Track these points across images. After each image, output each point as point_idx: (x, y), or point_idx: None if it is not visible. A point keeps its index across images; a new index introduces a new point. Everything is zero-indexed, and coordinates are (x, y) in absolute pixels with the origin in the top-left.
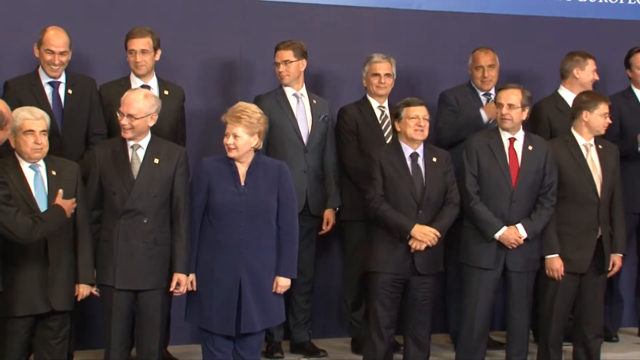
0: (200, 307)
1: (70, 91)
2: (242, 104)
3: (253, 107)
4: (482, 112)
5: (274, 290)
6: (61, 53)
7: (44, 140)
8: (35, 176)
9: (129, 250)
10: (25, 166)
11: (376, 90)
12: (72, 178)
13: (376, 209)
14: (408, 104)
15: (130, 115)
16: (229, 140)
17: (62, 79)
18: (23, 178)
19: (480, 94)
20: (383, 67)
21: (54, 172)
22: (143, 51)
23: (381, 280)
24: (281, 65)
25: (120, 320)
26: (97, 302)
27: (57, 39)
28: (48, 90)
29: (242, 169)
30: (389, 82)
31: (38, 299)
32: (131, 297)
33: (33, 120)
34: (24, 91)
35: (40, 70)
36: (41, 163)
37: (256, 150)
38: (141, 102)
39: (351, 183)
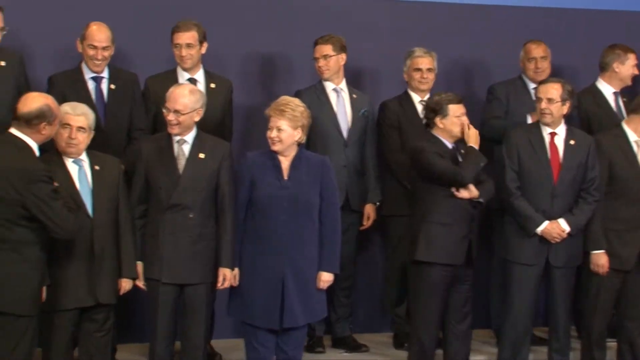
0: (244, 301)
1: (112, 86)
2: (285, 98)
3: (296, 101)
4: (529, 118)
5: (317, 286)
6: (104, 48)
7: (80, 137)
8: (79, 171)
9: (174, 244)
10: (68, 161)
11: (418, 85)
12: (115, 173)
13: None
14: (453, 101)
15: (176, 111)
16: (273, 134)
17: (105, 74)
18: (67, 173)
19: (531, 87)
20: (425, 62)
21: (97, 167)
22: (188, 45)
23: (435, 273)
24: (320, 60)
25: (166, 314)
26: (140, 296)
27: (99, 34)
28: (91, 85)
29: (285, 163)
30: (431, 77)
31: (84, 292)
32: (177, 291)
33: (72, 115)
34: (68, 86)
35: (84, 66)
36: (84, 158)
37: (299, 145)
38: (187, 97)
39: (393, 178)
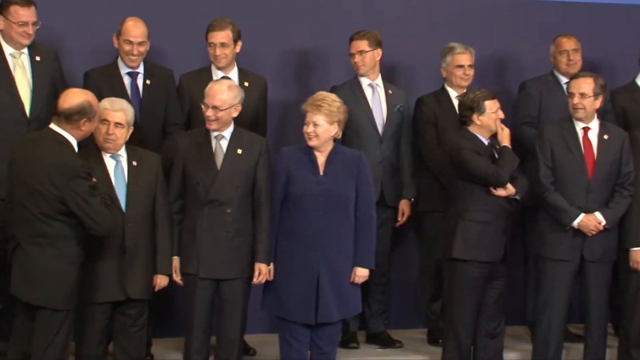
0: (278, 296)
1: (148, 81)
2: (322, 93)
3: (333, 96)
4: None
5: (351, 281)
6: (139, 43)
7: (118, 132)
8: (116, 166)
9: (212, 239)
10: (106, 156)
11: (460, 82)
12: (153, 169)
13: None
14: (488, 97)
15: (214, 107)
16: (309, 129)
17: (141, 69)
18: (104, 167)
19: (563, 82)
20: (466, 59)
21: (134, 163)
22: (222, 44)
23: (472, 270)
24: (356, 56)
25: (203, 309)
26: (175, 291)
27: (135, 29)
28: (127, 80)
29: (321, 159)
30: (471, 73)
31: (115, 287)
32: (214, 285)
33: (110, 111)
34: (104, 82)
35: (119, 61)
36: (122, 153)
37: (335, 140)
38: (225, 93)
39: (428, 174)
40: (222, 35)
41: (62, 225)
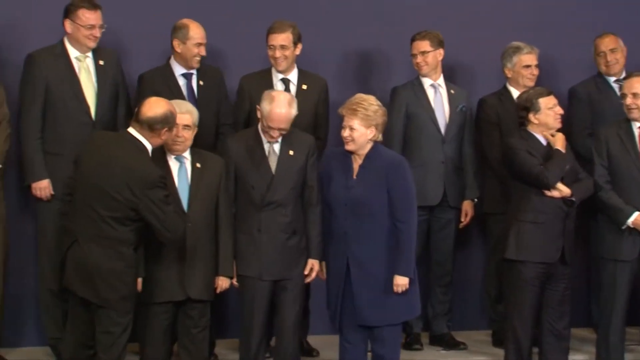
0: (327, 296)
1: (201, 82)
2: (359, 96)
3: (370, 99)
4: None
5: (395, 290)
6: (204, 45)
7: (186, 134)
8: (180, 167)
9: (271, 241)
10: (171, 157)
11: (526, 82)
12: (216, 171)
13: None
14: (543, 94)
15: (281, 129)
16: (345, 133)
17: (194, 70)
18: (168, 169)
19: (611, 80)
20: (533, 58)
21: (198, 165)
22: (282, 47)
23: (527, 271)
24: (418, 56)
25: (262, 310)
26: (231, 293)
27: (202, 31)
28: (182, 82)
29: (357, 162)
30: (537, 73)
31: (176, 287)
32: (271, 286)
33: (177, 114)
34: (159, 84)
35: (173, 62)
36: (187, 155)
37: (375, 142)
38: (289, 114)
39: (493, 175)
40: (282, 38)
41: (126, 230)
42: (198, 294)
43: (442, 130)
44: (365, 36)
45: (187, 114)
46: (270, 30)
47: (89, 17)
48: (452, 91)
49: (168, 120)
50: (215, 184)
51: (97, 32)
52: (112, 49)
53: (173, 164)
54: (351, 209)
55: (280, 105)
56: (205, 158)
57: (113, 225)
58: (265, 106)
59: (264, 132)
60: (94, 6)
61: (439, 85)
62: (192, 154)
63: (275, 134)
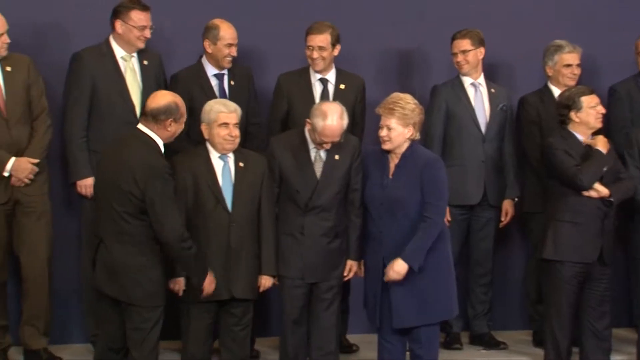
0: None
1: (232, 82)
2: (396, 95)
3: (408, 98)
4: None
5: (387, 275)
6: (236, 44)
7: (237, 133)
8: (223, 167)
9: (313, 244)
10: (214, 156)
11: (567, 81)
12: (259, 170)
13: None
14: (585, 93)
15: (334, 141)
16: (383, 132)
17: (225, 70)
18: (212, 168)
19: None
20: (575, 57)
21: (241, 164)
22: (320, 48)
23: (565, 271)
24: (459, 55)
25: (301, 310)
26: (273, 291)
27: (233, 32)
28: (214, 82)
29: (393, 162)
30: (579, 73)
31: (220, 286)
32: (311, 287)
33: (227, 114)
34: (193, 84)
35: (205, 63)
36: (230, 154)
37: (412, 141)
38: (341, 127)
39: (533, 174)
40: (320, 39)
41: (141, 224)
42: (242, 293)
43: (483, 129)
44: (405, 35)
45: (234, 112)
46: (309, 31)
47: (141, 17)
48: (493, 90)
49: (171, 111)
50: (258, 183)
51: (148, 33)
52: (155, 50)
53: (217, 163)
54: (387, 209)
55: (333, 119)
56: (248, 157)
57: (128, 220)
58: (318, 122)
59: (315, 142)
60: (144, 7)
61: (480, 84)
62: (235, 152)
63: (328, 145)
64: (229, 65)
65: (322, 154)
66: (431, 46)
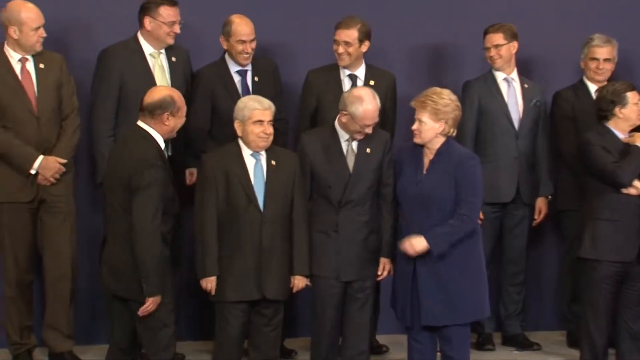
0: (394, 296)
1: (256, 78)
2: (431, 90)
3: (443, 93)
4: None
5: (404, 246)
6: (251, 41)
7: (271, 130)
8: (255, 165)
9: (348, 241)
10: (246, 154)
11: (593, 76)
12: (291, 168)
13: None
14: (629, 89)
15: (375, 123)
16: (414, 126)
17: (249, 66)
18: (244, 166)
19: None
20: (603, 52)
21: (273, 162)
22: (346, 43)
23: (602, 270)
24: (491, 50)
25: (335, 310)
26: (304, 291)
27: (246, 28)
28: (236, 78)
29: (427, 157)
30: (608, 67)
31: (252, 286)
32: (345, 286)
33: (262, 111)
34: (215, 80)
35: (228, 59)
36: (262, 152)
37: (448, 137)
38: (377, 106)
39: (568, 171)
40: (346, 34)
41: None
42: (274, 293)
43: (516, 125)
44: (437, 29)
45: (269, 109)
46: (337, 25)
47: (170, 13)
48: (526, 85)
49: (167, 105)
50: (290, 182)
51: (177, 28)
52: (184, 47)
53: (249, 161)
54: (420, 205)
55: (369, 101)
56: (279, 154)
57: (124, 216)
58: (357, 108)
59: (353, 131)
60: (173, 2)
61: (513, 79)
62: (267, 150)
63: (370, 129)
64: (246, 62)
65: (354, 146)
66: (463, 41)
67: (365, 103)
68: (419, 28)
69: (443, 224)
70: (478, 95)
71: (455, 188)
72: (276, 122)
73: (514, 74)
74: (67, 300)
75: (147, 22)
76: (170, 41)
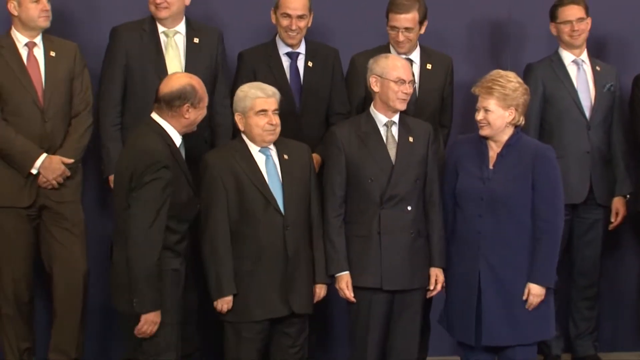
0: (447, 309)
1: (310, 63)
2: (496, 72)
3: (509, 76)
4: None
5: (524, 299)
6: (299, 17)
7: (278, 120)
8: (266, 161)
9: (393, 244)
10: (254, 150)
11: None
12: (305, 162)
13: None
14: None
15: (410, 80)
16: (479, 116)
17: (302, 49)
18: (254, 164)
19: None
20: None
21: (285, 157)
22: (407, 29)
23: None
24: (574, 24)
25: (380, 327)
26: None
27: (295, 1)
28: (285, 62)
29: (493, 150)
30: None
31: (278, 302)
32: (391, 298)
33: (265, 99)
34: (260, 63)
35: (278, 40)
36: (271, 146)
37: (517, 127)
38: (407, 64)
39: None
40: (406, 19)
41: None
42: (302, 308)
43: (587, 114)
44: (496, 5)
45: (273, 97)
46: (393, 9)
47: None
48: (598, 68)
49: (187, 95)
50: (307, 178)
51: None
52: (215, 26)
53: (259, 158)
54: (488, 205)
55: (395, 56)
56: (290, 147)
57: (121, 217)
58: (384, 63)
59: (392, 99)
60: None
61: (583, 61)
62: (276, 143)
63: (410, 89)
64: (293, 42)
65: (395, 133)
66: (526, 17)
67: (390, 56)
68: (475, 4)
69: (537, 254)
70: (542, 81)
71: (534, 187)
72: (335, 116)
73: (584, 56)
74: (77, 320)
75: None
76: (162, 14)
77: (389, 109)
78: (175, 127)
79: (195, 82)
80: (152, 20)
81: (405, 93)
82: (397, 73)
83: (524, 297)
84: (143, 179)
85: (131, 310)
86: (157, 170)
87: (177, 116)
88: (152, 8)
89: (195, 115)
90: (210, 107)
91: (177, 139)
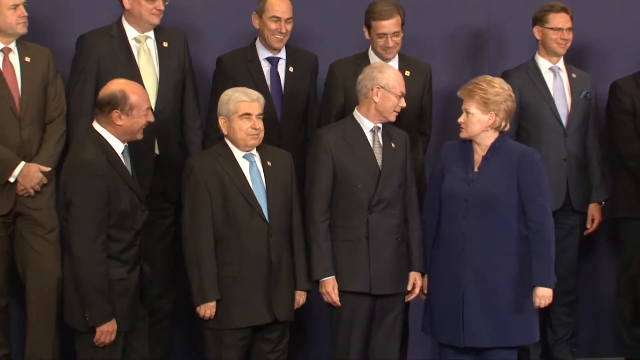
0: (430, 313)
1: (291, 69)
2: (481, 77)
3: (494, 81)
4: None
5: (536, 304)
6: (287, 20)
7: (261, 125)
8: (250, 167)
9: (381, 248)
10: (239, 156)
11: None
12: (287, 169)
13: None
14: None
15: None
16: (460, 118)
17: (282, 54)
18: (239, 170)
19: None
20: None
21: (269, 163)
22: (395, 33)
23: None
24: (564, 32)
25: (363, 331)
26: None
27: (283, 4)
28: (266, 67)
29: (479, 154)
30: None
31: (262, 309)
32: (373, 302)
33: (249, 103)
34: (239, 68)
35: (258, 44)
36: (255, 152)
37: (502, 132)
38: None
39: (626, 173)
40: (393, 24)
41: None
42: (285, 315)
43: (564, 121)
44: (475, 10)
45: (257, 101)
46: (377, 17)
47: None
48: (574, 75)
49: (116, 101)
50: (289, 185)
51: (161, 5)
52: (179, 30)
53: (243, 164)
54: (474, 207)
55: (396, 70)
56: (272, 153)
57: (65, 228)
58: (389, 75)
59: (389, 111)
60: None
61: (559, 68)
62: (259, 149)
63: (403, 103)
64: (279, 45)
65: (380, 138)
66: (504, 24)
67: (393, 69)
68: (454, 11)
69: (536, 257)
70: (518, 88)
71: (519, 189)
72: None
73: (560, 63)
74: (51, 327)
75: (126, 0)
76: (155, 21)
77: (379, 117)
78: (114, 135)
79: (130, 88)
80: (120, 26)
81: (401, 107)
82: (401, 88)
83: (535, 303)
84: (75, 190)
85: (85, 324)
86: (87, 180)
87: (110, 123)
88: (146, 15)
89: (129, 122)
90: (181, 118)
91: (119, 147)
